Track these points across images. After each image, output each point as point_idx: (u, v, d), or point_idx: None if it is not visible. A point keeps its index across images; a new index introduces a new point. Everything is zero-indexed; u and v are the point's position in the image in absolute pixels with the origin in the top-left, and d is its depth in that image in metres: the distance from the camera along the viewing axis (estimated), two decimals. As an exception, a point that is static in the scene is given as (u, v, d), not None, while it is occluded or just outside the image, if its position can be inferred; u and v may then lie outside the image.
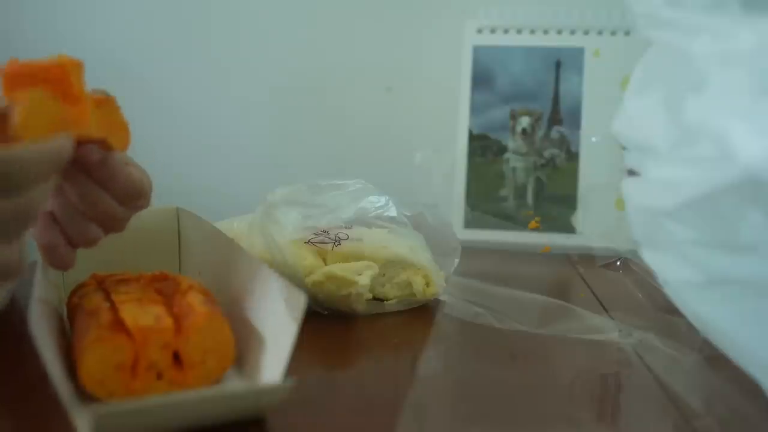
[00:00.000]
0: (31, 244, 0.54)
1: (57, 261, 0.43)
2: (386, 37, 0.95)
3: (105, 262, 0.50)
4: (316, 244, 0.55)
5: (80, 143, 0.38)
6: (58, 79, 0.37)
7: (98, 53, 0.95)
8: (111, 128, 0.41)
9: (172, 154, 0.96)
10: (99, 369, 0.36)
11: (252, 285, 0.43)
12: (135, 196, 0.44)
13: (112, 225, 0.45)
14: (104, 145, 0.41)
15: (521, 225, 0.84)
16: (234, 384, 0.40)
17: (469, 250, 0.65)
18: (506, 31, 0.87)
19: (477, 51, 0.87)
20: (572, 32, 0.86)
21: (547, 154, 0.85)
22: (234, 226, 0.60)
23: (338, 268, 0.53)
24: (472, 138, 0.87)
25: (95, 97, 0.40)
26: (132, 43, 0.96)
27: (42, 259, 0.44)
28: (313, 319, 0.39)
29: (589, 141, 0.84)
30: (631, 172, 0.38)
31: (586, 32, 0.85)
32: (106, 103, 0.41)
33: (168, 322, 0.38)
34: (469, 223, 0.85)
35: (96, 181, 0.42)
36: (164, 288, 0.43)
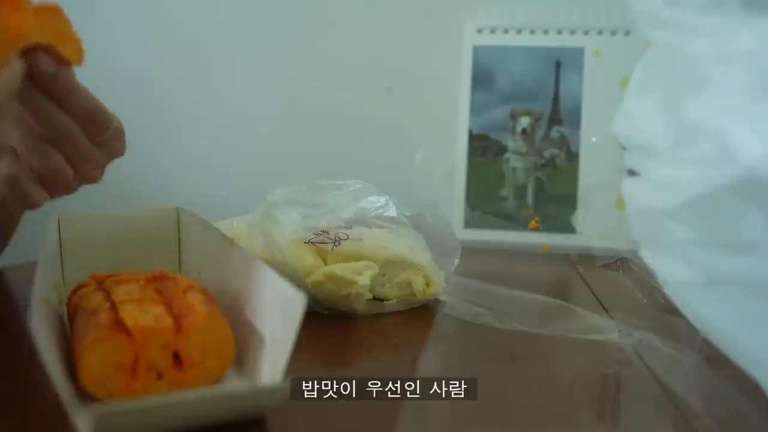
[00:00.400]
0: (29, 244, 0.54)
1: (21, 194, 0.41)
2: (386, 37, 0.95)
3: (105, 262, 0.50)
4: (316, 244, 0.55)
5: (26, 52, 0.36)
6: None
7: (98, 53, 0.95)
8: (59, 39, 0.39)
9: (172, 154, 0.96)
10: (99, 369, 0.36)
11: (252, 285, 0.43)
12: (100, 122, 0.41)
13: (76, 157, 0.42)
14: (55, 56, 0.39)
15: (521, 225, 0.84)
16: (234, 384, 0.40)
17: (469, 250, 0.65)
18: (506, 31, 0.87)
19: (477, 51, 0.87)
20: (572, 32, 0.86)
21: (547, 154, 0.85)
22: (234, 226, 0.60)
23: (338, 268, 0.53)
24: (472, 138, 0.87)
25: (36, 5, 0.37)
26: (132, 44, 0.96)
27: (7, 194, 0.41)
28: (313, 319, 0.39)
29: (589, 141, 0.84)
30: (631, 172, 0.38)
31: (586, 32, 0.85)
32: (49, 11, 0.39)
33: (168, 322, 0.38)
34: (469, 223, 0.85)
35: (53, 99, 0.40)
36: (164, 288, 0.43)
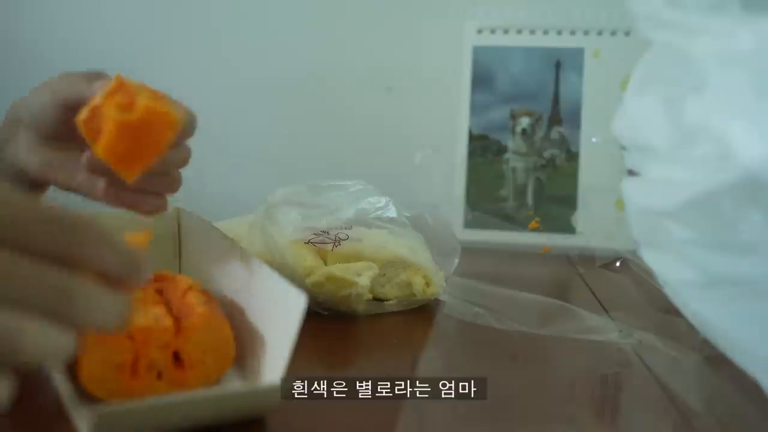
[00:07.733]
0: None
1: (149, 205, 0.47)
2: (386, 37, 0.95)
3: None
4: (316, 245, 0.55)
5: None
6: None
7: (97, 52, 0.95)
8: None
9: (172, 154, 0.96)
10: (99, 369, 0.36)
11: (252, 285, 0.43)
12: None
13: None
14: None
15: (521, 225, 0.84)
16: (234, 384, 0.40)
17: (469, 250, 0.65)
18: (506, 32, 0.87)
19: (477, 51, 0.87)
20: (572, 32, 0.86)
21: (547, 154, 0.85)
22: (234, 226, 0.60)
23: (338, 269, 0.53)
24: (472, 138, 0.87)
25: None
26: (131, 43, 0.96)
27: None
28: (313, 320, 0.39)
29: (589, 141, 0.84)
30: (631, 172, 0.38)
31: (586, 32, 0.85)
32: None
33: (168, 322, 0.38)
34: (469, 223, 0.85)
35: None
36: (164, 288, 0.43)
